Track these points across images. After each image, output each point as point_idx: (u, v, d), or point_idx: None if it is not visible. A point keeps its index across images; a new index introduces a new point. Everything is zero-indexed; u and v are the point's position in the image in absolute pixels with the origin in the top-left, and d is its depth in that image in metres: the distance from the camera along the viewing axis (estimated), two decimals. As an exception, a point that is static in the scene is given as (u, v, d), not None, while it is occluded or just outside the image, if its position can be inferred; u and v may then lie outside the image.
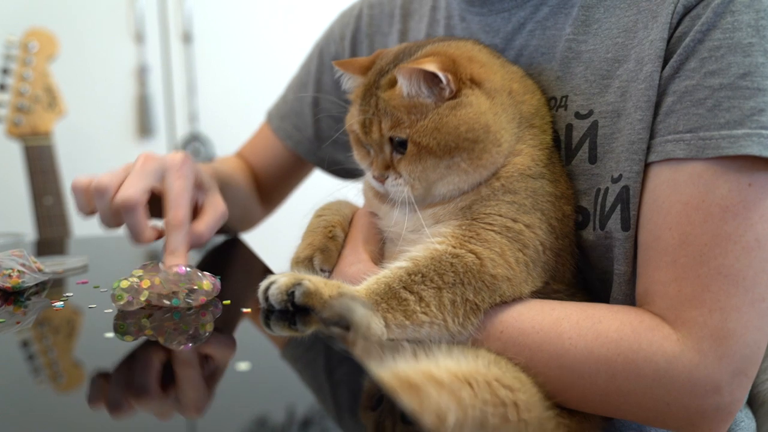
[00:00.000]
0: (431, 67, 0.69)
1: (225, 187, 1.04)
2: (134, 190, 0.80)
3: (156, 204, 0.85)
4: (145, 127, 2.37)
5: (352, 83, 0.83)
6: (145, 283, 0.70)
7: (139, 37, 2.34)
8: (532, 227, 0.72)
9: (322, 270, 0.80)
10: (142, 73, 2.36)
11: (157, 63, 2.38)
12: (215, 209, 0.89)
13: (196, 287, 0.70)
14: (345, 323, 0.63)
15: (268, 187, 1.20)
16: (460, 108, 0.71)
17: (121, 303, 0.70)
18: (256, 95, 2.40)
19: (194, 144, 2.43)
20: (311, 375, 0.56)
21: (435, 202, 0.75)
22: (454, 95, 0.72)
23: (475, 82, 0.73)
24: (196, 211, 0.89)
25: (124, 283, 0.70)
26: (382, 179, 0.76)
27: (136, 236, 0.82)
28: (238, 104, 2.41)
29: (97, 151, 2.28)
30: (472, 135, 0.71)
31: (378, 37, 1.03)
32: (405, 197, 0.74)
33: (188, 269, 0.72)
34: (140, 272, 0.72)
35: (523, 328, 0.70)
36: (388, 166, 0.75)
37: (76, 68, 2.18)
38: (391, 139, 0.74)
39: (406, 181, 0.74)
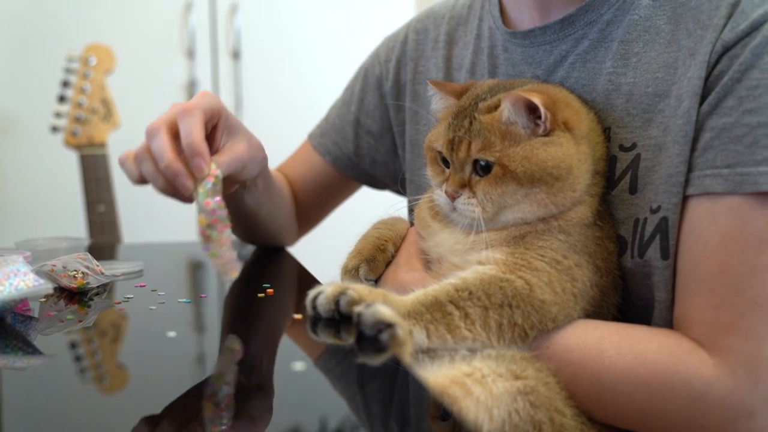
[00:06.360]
0: (538, 100, 0.73)
1: (271, 187, 1.07)
2: (159, 120, 0.82)
3: None
4: (192, 139, 2.45)
5: (442, 104, 0.86)
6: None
7: (190, 53, 2.43)
8: (580, 266, 0.75)
9: (367, 279, 0.84)
10: (191, 88, 2.44)
11: (207, 78, 2.46)
12: (232, 150, 0.87)
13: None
14: (381, 330, 0.64)
15: (305, 203, 1.22)
16: (552, 146, 0.74)
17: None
18: (301, 112, 2.46)
19: (239, 157, 2.50)
20: (359, 380, 0.60)
21: (490, 229, 0.77)
22: (547, 133, 0.75)
23: (567, 127, 0.76)
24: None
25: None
26: (454, 195, 0.77)
27: (159, 158, 0.80)
28: (282, 120, 2.47)
29: (147, 161, 2.36)
30: (556, 172, 0.74)
31: (422, 61, 1.07)
32: (475, 217, 0.76)
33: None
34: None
35: (568, 344, 0.73)
36: (464, 185, 0.77)
37: (131, 82, 2.27)
38: (474, 161, 0.77)
39: (479, 201, 0.76)
